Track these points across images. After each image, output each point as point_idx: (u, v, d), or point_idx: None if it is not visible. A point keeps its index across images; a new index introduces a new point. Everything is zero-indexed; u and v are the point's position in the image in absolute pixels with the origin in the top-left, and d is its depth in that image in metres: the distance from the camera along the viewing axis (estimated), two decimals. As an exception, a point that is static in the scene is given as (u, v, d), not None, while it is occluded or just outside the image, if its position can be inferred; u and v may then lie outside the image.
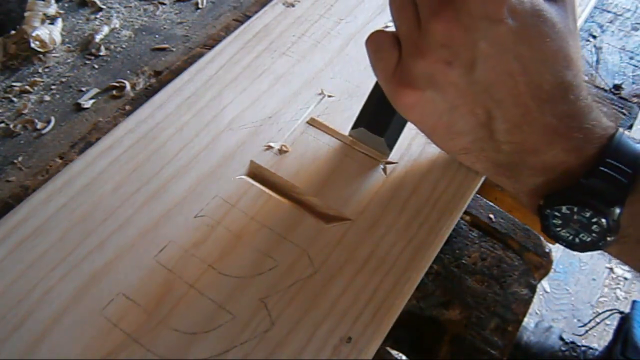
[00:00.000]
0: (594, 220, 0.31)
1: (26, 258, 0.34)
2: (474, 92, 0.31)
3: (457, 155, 0.35)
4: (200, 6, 0.60)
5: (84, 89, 0.52)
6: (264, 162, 0.39)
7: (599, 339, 1.20)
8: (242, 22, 0.57)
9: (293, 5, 0.49)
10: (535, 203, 0.33)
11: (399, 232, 0.36)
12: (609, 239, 0.31)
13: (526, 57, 0.30)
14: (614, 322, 1.11)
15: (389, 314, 0.33)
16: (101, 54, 0.55)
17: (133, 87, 0.52)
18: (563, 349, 0.89)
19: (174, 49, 0.56)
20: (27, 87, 0.52)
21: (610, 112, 0.48)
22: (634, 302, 0.87)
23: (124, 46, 0.56)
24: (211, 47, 0.55)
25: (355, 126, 0.40)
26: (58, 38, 0.55)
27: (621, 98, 0.51)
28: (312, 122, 0.42)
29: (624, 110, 0.50)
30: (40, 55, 0.54)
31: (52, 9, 0.58)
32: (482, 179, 0.40)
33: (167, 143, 0.40)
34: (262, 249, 0.35)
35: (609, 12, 0.60)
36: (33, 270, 0.34)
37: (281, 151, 0.40)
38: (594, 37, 0.57)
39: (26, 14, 0.56)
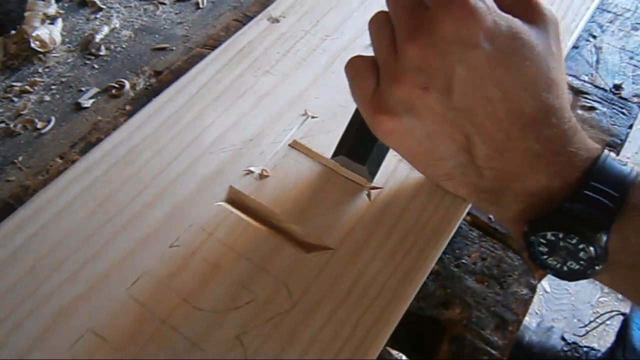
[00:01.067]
0: (581, 247, 0.30)
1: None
2: (452, 117, 0.30)
3: (440, 182, 0.34)
4: (200, 6, 0.60)
5: (83, 88, 0.52)
6: (243, 187, 0.38)
7: (599, 339, 1.20)
8: (242, 22, 0.57)
9: (278, 21, 0.48)
10: (520, 230, 0.32)
11: (384, 260, 0.35)
12: (597, 267, 0.30)
13: (505, 82, 0.29)
14: (613, 322, 1.11)
15: (372, 349, 0.31)
16: (101, 53, 0.55)
17: (133, 87, 0.52)
18: (565, 349, 0.89)
19: (174, 49, 0.56)
20: (27, 87, 0.52)
21: (595, 136, 0.48)
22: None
23: (124, 46, 0.56)
24: (212, 47, 0.55)
25: (335, 154, 0.38)
26: (58, 38, 0.55)
27: (621, 98, 0.51)
28: (295, 145, 0.40)
29: (624, 110, 0.50)
30: (41, 55, 0.55)
31: (52, 9, 0.58)
32: (469, 204, 0.39)
33: (144, 167, 0.38)
34: (239, 281, 0.33)
35: (609, 12, 0.60)
36: None
37: (262, 176, 0.39)
38: (594, 37, 0.57)
39: (26, 13, 0.56)
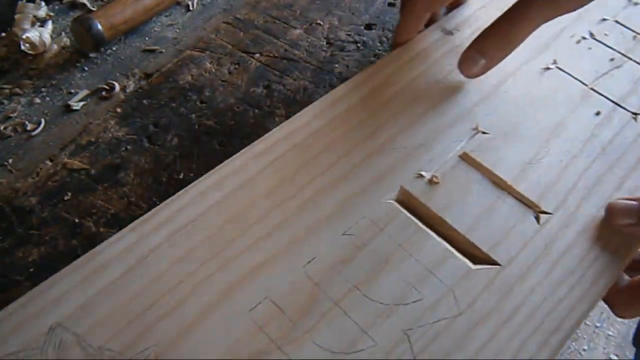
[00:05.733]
0: None
1: (181, 247, 0.34)
2: None
3: None
4: (190, 8, 0.60)
5: (73, 91, 0.52)
6: (413, 190, 0.38)
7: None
8: (232, 25, 0.57)
9: (451, 34, 0.47)
10: None
11: (550, 288, 0.34)
12: None
13: None
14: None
15: None
16: (91, 56, 0.55)
17: (123, 89, 0.52)
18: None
19: (164, 51, 0.56)
20: (17, 89, 0.52)
21: None
22: None
23: (114, 48, 0.56)
24: (202, 49, 0.55)
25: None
26: (48, 40, 0.55)
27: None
28: (465, 157, 0.40)
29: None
30: (31, 58, 0.54)
31: (43, 12, 0.58)
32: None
33: (321, 154, 0.40)
34: (407, 279, 0.34)
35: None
36: (186, 261, 0.34)
37: (431, 182, 0.39)
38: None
39: (16, 16, 0.56)
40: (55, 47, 0.55)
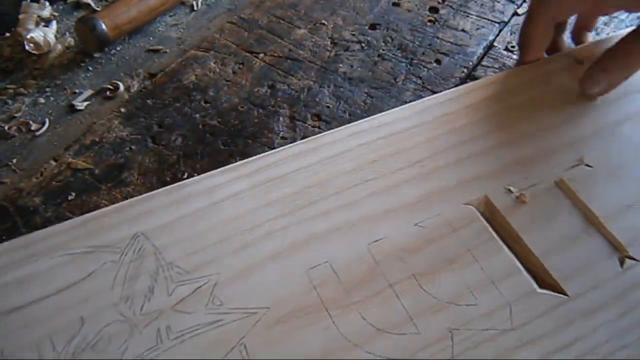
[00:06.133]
0: None
1: (264, 198, 0.37)
2: None
3: None
4: (195, 8, 0.60)
5: (78, 90, 0.52)
6: (497, 202, 0.38)
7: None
8: (236, 25, 0.57)
9: (582, 63, 0.46)
10: None
11: (617, 332, 0.33)
12: None
13: None
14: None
15: None
16: (95, 56, 0.55)
17: (127, 89, 0.52)
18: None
19: (168, 51, 0.56)
20: (21, 89, 0.52)
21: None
22: None
23: (118, 48, 0.56)
24: (206, 49, 0.55)
25: None
26: (52, 40, 0.55)
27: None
28: (560, 184, 0.39)
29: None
30: (35, 58, 0.54)
31: (47, 12, 0.58)
32: None
33: (414, 148, 0.41)
34: (467, 283, 0.34)
35: (604, 14, 0.60)
36: (264, 210, 0.36)
37: (519, 199, 0.38)
38: (588, 38, 0.57)
39: (20, 16, 0.56)
40: (59, 47, 0.55)
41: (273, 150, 0.39)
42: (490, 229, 0.37)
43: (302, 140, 0.40)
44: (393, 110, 0.43)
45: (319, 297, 0.33)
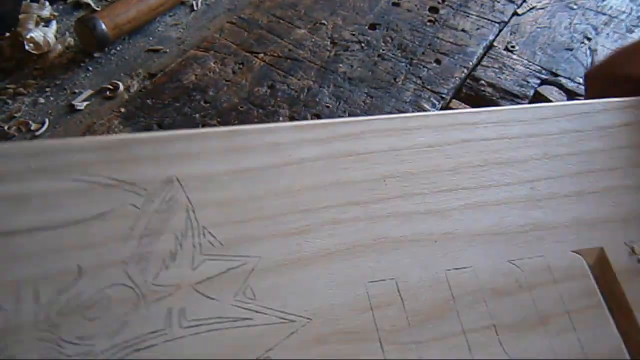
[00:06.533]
0: None
1: (337, 174, 0.29)
2: None
3: None
4: (194, 8, 0.60)
5: (77, 90, 0.52)
6: (615, 259, 0.31)
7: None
8: (236, 25, 0.57)
9: None
10: None
11: None
12: None
13: None
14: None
15: None
16: (95, 56, 0.55)
17: (127, 89, 0.52)
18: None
19: (168, 51, 0.56)
20: (21, 89, 0.52)
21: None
22: None
23: (118, 48, 0.56)
24: (206, 49, 0.55)
25: None
26: (52, 40, 0.55)
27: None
28: None
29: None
30: (35, 57, 0.54)
31: (47, 12, 0.58)
32: None
33: (528, 161, 0.33)
34: (556, 352, 0.28)
35: (603, 14, 0.60)
36: (335, 190, 0.28)
37: None
38: (589, 39, 0.57)
39: (20, 16, 0.56)
40: (59, 47, 0.55)
41: (360, 118, 0.32)
42: (598, 292, 0.30)
43: (392, 115, 0.32)
44: (510, 107, 0.35)
45: (375, 323, 0.26)
